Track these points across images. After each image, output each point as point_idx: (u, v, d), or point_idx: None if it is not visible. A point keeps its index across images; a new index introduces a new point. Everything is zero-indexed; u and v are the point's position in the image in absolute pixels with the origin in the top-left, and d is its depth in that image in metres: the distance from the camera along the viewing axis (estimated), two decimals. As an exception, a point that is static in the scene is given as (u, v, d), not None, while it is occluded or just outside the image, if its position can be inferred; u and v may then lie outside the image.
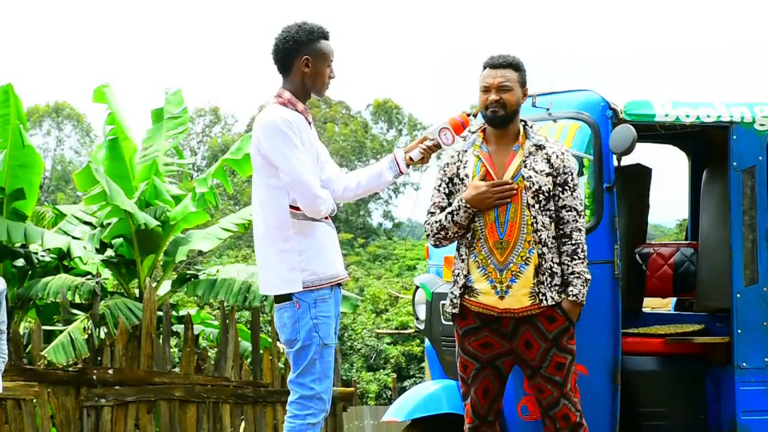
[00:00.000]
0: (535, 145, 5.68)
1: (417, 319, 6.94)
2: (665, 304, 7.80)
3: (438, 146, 5.47)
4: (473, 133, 5.82)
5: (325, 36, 5.32)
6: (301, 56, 5.27)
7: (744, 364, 6.37)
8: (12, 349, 10.75)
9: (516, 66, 5.72)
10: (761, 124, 6.48)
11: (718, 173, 6.82)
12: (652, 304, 7.79)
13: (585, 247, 5.63)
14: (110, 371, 11.40)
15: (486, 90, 5.71)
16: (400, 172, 5.42)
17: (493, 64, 5.73)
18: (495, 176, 5.64)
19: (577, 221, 5.62)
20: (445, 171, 5.83)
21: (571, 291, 5.58)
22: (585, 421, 5.73)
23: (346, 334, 30.62)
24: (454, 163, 5.80)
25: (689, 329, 6.70)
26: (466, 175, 5.71)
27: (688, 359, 6.56)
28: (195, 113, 54.78)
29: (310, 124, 5.31)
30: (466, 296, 5.68)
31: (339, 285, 5.30)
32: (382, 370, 30.11)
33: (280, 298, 5.23)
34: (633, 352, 6.44)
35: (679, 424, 6.48)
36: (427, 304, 6.76)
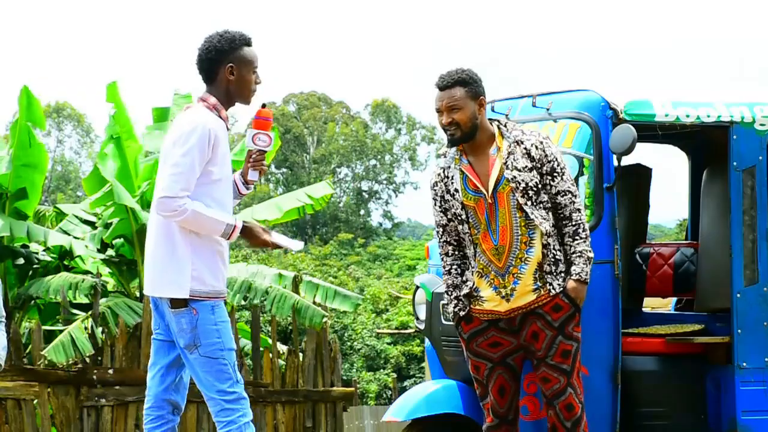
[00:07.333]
0: (514, 142, 5.66)
1: (417, 319, 6.94)
2: (665, 304, 7.79)
3: (262, 152, 5.43)
4: (451, 148, 5.82)
5: (247, 43, 5.32)
6: (225, 65, 5.28)
7: (744, 364, 6.37)
8: (12, 349, 10.74)
9: (462, 81, 5.67)
10: (761, 124, 6.47)
11: (718, 173, 6.81)
12: (652, 304, 7.79)
13: (586, 227, 5.66)
14: (110, 371, 11.39)
15: (439, 113, 5.71)
16: (240, 193, 5.47)
17: (439, 86, 5.70)
18: (481, 185, 5.65)
19: (574, 203, 5.65)
20: (435, 190, 5.84)
21: (575, 270, 5.62)
22: (585, 416, 5.73)
23: (346, 334, 30.60)
24: (442, 181, 5.81)
25: (689, 329, 6.69)
26: (456, 190, 5.73)
27: (688, 359, 6.55)
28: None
29: (228, 131, 5.33)
30: (472, 304, 5.70)
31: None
32: (382, 370, 30.09)
33: (177, 303, 5.19)
34: (633, 352, 6.44)
35: (679, 424, 6.47)
36: (427, 304, 6.75)
